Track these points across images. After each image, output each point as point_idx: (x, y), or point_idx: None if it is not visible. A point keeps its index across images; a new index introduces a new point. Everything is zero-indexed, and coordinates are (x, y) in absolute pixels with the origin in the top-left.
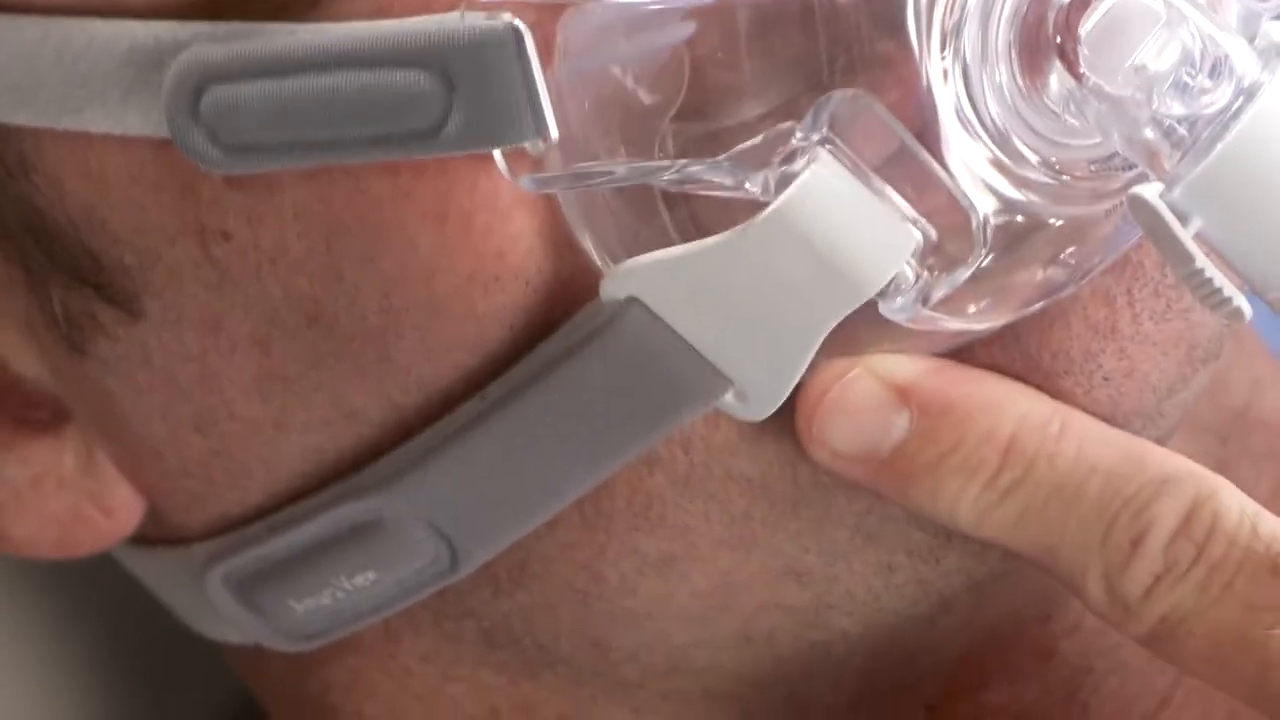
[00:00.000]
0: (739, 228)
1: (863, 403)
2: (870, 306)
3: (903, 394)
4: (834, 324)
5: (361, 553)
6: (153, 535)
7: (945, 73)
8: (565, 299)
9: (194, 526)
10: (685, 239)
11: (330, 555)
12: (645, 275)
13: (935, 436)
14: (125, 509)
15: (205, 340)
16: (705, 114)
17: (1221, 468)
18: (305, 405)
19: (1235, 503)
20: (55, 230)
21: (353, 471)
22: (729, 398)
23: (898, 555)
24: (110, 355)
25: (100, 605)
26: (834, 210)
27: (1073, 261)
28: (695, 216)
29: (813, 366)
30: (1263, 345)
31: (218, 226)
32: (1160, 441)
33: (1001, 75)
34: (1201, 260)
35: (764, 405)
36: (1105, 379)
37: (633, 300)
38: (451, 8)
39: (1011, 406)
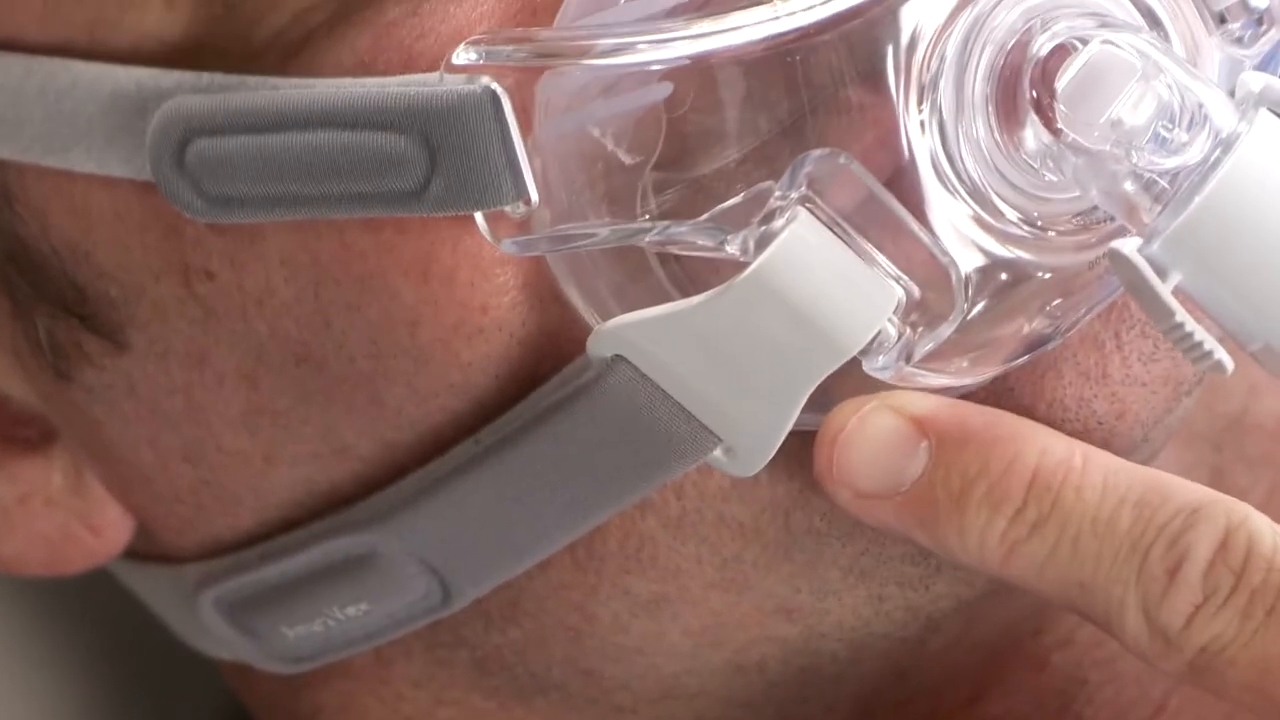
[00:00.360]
0: (720, 288)
1: (881, 435)
2: (855, 363)
3: (921, 425)
4: (817, 382)
5: (354, 585)
6: (144, 552)
7: (922, 125)
8: (552, 351)
9: (186, 548)
10: (676, 290)
11: (322, 585)
12: (630, 334)
13: (957, 466)
14: (114, 528)
15: (191, 374)
16: (682, 165)
17: (1217, 473)
18: (294, 439)
19: (1267, 527)
20: (40, 261)
21: (346, 502)
22: (717, 454)
23: (889, 587)
24: (97, 384)
25: (97, 610)
26: (813, 269)
27: (1059, 314)
28: (685, 268)
29: (830, 403)
30: None
31: (201, 266)
32: (1145, 462)
33: (979, 130)
34: (1181, 315)
35: (752, 461)
36: (1099, 423)
37: (619, 359)
38: (433, 66)
39: (1032, 439)
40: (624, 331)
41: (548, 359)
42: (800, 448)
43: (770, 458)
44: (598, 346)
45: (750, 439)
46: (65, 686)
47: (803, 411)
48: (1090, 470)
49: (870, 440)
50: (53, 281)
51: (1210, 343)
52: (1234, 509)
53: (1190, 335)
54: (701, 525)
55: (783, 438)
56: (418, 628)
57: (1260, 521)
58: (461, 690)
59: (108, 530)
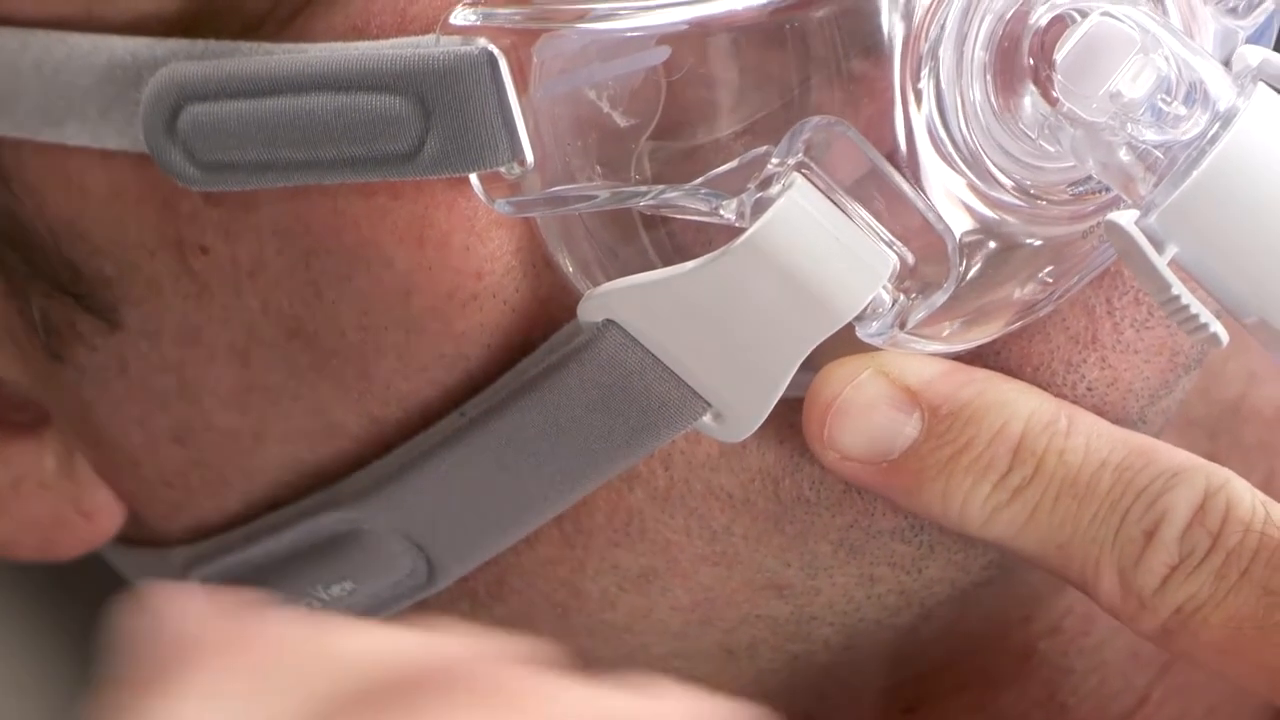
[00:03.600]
0: (715, 253)
1: (874, 404)
2: (848, 329)
3: (913, 395)
4: (810, 349)
5: (338, 562)
6: (133, 537)
7: (920, 94)
8: (543, 318)
9: (173, 531)
10: (664, 260)
11: (306, 565)
12: (622, 299)
13: (947, 437)
14: (105, 513)
15: (184, 351)
16: (681, 134)
17: (1212, 460)
18: (284, 416)
19: (1247, 491)
20: (35, 239)
21: (332, 482)
22: (706, 419)
23: (880, 567)
24: (89, 364)
25: (87, 594)
26: (809, 235)
27: (1050, 280)
28: (674, 237)
29: (819, 370)
30: None
31: (196, 240)
32: None
33: (976, 99)
34: (1178, 287)
35: (741, 427)
36: (1089, 389)
37: (610, 323)
38: (428, 29)
39: (1021, 404)
40: (616, 296)
41: (539, 327)
42: (789, 413)
43: (761, 422)
44: (588, 311)
45: (741, 404)
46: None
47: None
48: (1074, 433)
49: (862, 408)
50: (48, 260)
51: (1206, 315)
52: (1214, 473)
53: (1186, 308)
54: (690, 496)
55: (773, 403)
56: (404, 608)
57: (1240, 486)
58: None
59: (99, 515)
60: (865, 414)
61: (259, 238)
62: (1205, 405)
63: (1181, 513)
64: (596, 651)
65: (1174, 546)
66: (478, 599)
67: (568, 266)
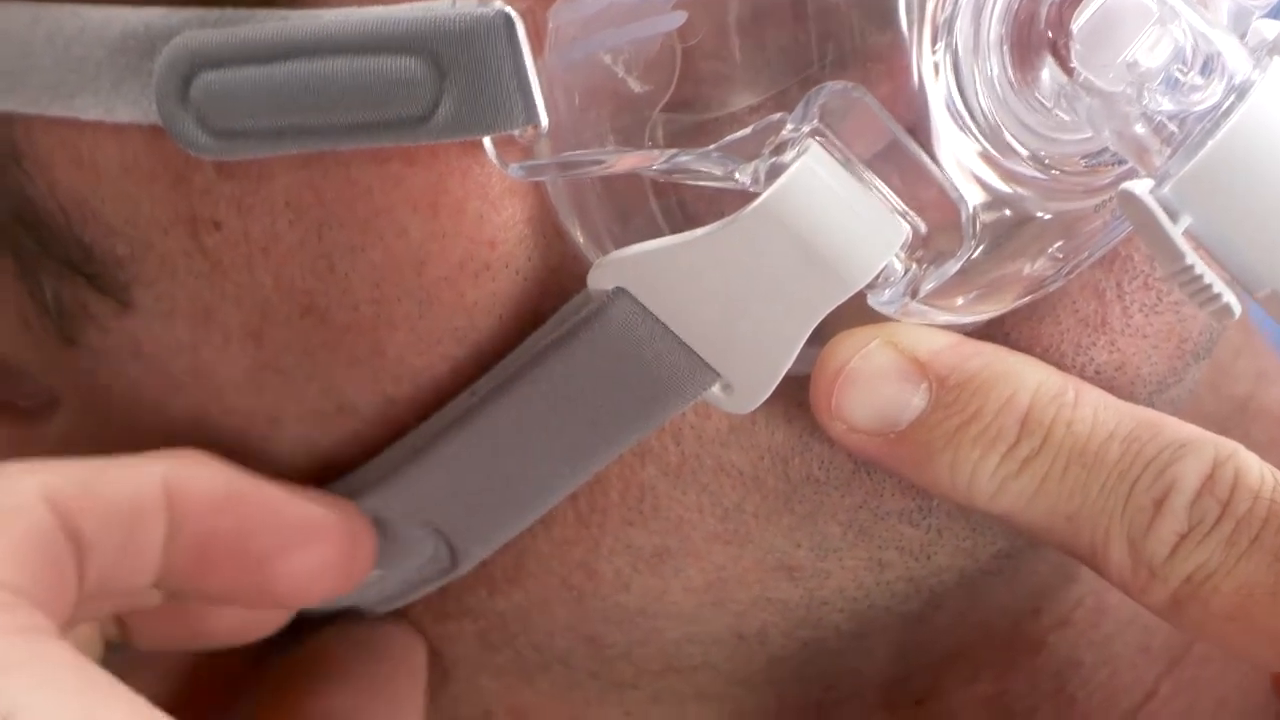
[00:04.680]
0: (728, 219)
1: (882, 374)
2: (858, 301)
3: (921, 367)
4: (821, 316)
5: None
6: None
7: (936, 66)
8: (554, 289)
9: None
10: (675, 230)
11: None
12: (633, 266)
13: (954, 408)
14: None
15: (197, 332)
16: (696, 105)
17: None
18: (298, 397)
19: (1255, 462)
20: (47, 219)
21: (347, 464)
22: (715, 390)
23: (889, 551)
24: (102, 347)
25: None
26: (823, 202)
27: (1061, 255)
28: (685, 206)
29: (826, 337)
30: (1271, 342)
31: (209, 216)
32: None
33: (993, 69)
34: (1191, 257)
35: (750, 398)
36: (1096, 373)
37: (620, 291)
38: None
39: (1028, 375)
40: (627, 262)
41: (550, 298)
42: (798, 392)
43: (769, 393)
44: (599, 279)
45: (750, 375)
46: None
47: (804, 346)
48: (1081, 405)
49: (870, 378)
50: (60, 240)
51: (1219, 285)
52: (1222, 444)
53: (1199, 278)
54: (701, 473)
55: (783, 373)
56: (430, 591)
57: (1248, 456)
58: (469, 670)
59: None
60: (873, 384)
61: (272, 210)
62: (1215, 401)
63: (1191, 481)
64: (610, 638)
65: (1183, 515)
66: (495, 584)
67: (579, 236)
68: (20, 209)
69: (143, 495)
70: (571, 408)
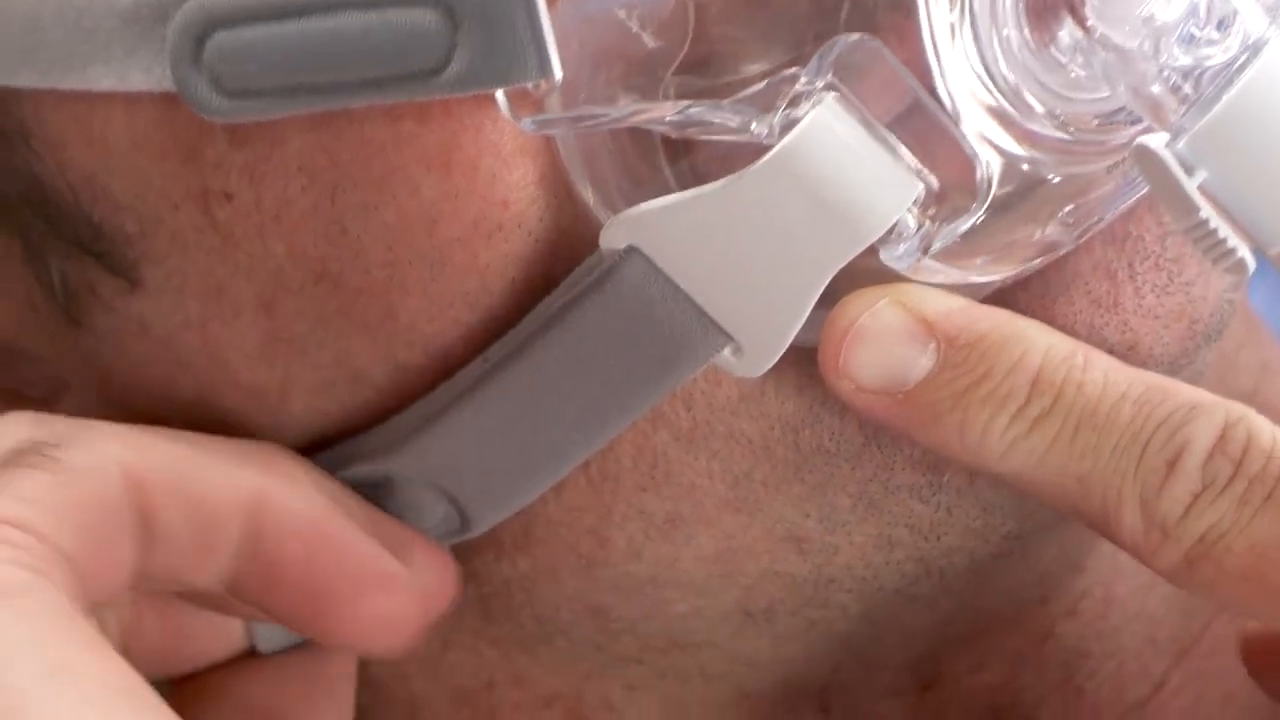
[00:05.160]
0: (740, 172)
1: (890, 332)
2: (869, 261)
3: (930, 327)
4: (834, 271)
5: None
6: None
7: (952, 28)
8: (566, 251)
9: None
10: (686, 188)
11: None
12: (645, 223)
13: (964, 367)
14: None
15: (208, 307)
16: (710, 67)
17: None
18: (311, 367)
19: (1267, 424)
20: (55, 198)
21: (358, 434)
22: (726, 353)
23: (899, 529)
24: (108, 328)
25: None
26: (837, 155)
27: (1071, 220)
28: (696, 167)
29: (837, 301)
30: (1274, 333)
31: (220, 188)
32: None
33: (1009, 26)
34: (1206, 210)
35: (760, 360)
36: (1109, 352)
37: (632, 250)
38: None
39: (1038, 337)
40: (640, 219)
41: (562, 261)
42: (808, 364)
43: (779, 355)
44: (611, 238)
45: (761, 336)
46: None
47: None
48: (1092, 368)
49: (879, 337)
50: (68, 219)
51: (1233, 239)
52: (1233, 407)
53: (1214, 232)
54: (712, 439)
55: (794, 333)
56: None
57: (1260, 419)
58: (469, 636)
59: None
60: (881, 342)
61: (285, 175)
62: (1222, 393)
63: (1203, 442)
64: (616, 610)
65: (1196, 474)
66: (503, 549)
67: (589, 196)
68: (28, 189)
69: (229, 503)
70: (585, 371)
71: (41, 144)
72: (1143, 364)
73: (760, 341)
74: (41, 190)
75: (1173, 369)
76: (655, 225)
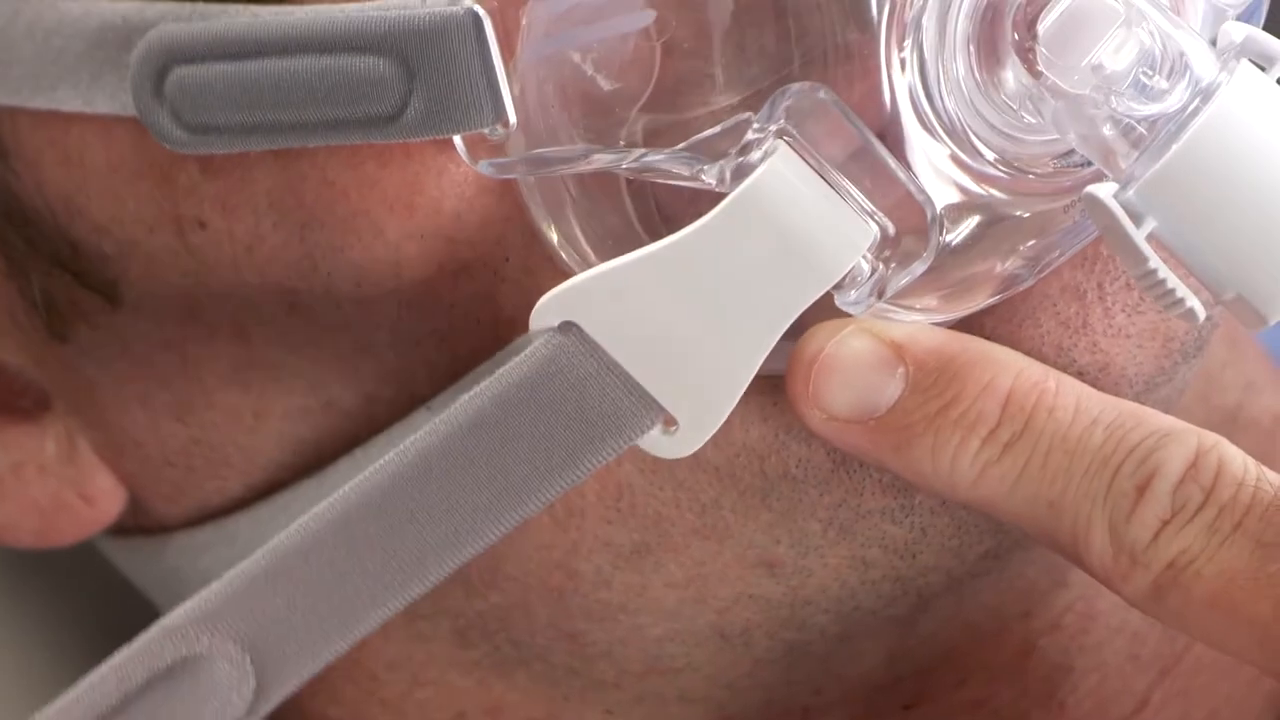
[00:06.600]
0: (688, 228)
1: (859, 360)
2: (824, 302)
3: (899, 350)
4: (789, 321)
5: None
6: (132, 526)
7: (903, 63)
8: (535, 291)
9: (174, 515)
10: (650, 230)
11: None
12: (581, 293)
13: (933, 391)
14: (106, 497)
15: (185, 328)
16: (675, 105)
17: None
18: (284, 393)
19: (1237, 452)
20: (34, 217)
21: (329, 458)
22: (655, 433)
23: (872, 550)
24: (90, 343)
25: (86, 592)
26: (789, 202)
27: (1031, 254)
28: (663, 208)
29: (805, 329)
30: (1258, 348)
31: (194, 215)
32: None
33: (959, 69)
34: (1154, 260)
35: (697, 433)
36: (1080, 374)
37: (567, 326)
38: None
39: (1009, 363)
40: (576, 291)
41: (528, 304)
42: (772, 391)
43: (715, 430)
44: (542, 315)
45: (699, 403)
46: (53, 670)
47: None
48: (1063, 393)
49: (847, 364)
50: (48, 238)
51: (1182, 290)
52: (1205, 434)
53: (1163, 282)
54: (678, 468)
55: (732, 407)
56: None
57: (1231, 448)
58: (439, 668)
59: (100, 499)
60: (850, 370)
61: (255, 211)
62: (1204, 411)
63: (1174, 467)
64: (591, 635)
65: (1166, 500)
66: (472, 587)
67: (553, 236)
68: (9, 206)
69: None
70: (503, 458)
71: (20, 162)
72: (1116, 384)
73: (699, 413)
74: (21, 208)
75: (1150, 387)
76: (591, 295)
